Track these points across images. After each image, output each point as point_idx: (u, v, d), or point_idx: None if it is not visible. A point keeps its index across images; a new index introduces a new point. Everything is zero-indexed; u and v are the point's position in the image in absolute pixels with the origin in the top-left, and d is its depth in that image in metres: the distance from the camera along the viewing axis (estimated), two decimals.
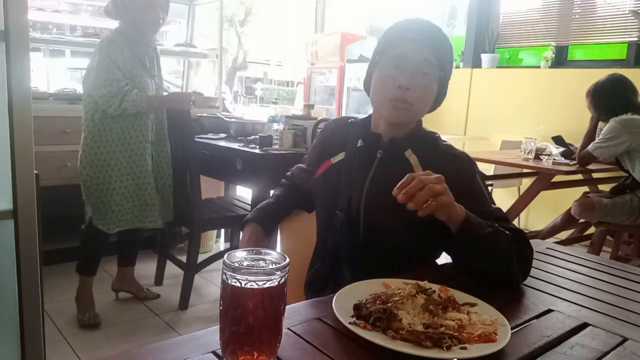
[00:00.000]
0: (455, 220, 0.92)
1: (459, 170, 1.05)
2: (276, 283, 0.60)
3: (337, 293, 0.82)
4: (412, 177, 0.87)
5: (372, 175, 1.11)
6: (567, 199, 3.36)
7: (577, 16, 4.36)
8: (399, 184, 0.87)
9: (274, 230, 1.30)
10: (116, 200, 2.30)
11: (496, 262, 0.95)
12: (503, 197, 4.19)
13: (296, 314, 0.79)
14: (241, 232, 1.25)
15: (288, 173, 1.38)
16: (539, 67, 4.41)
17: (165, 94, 2.51)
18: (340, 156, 1.17)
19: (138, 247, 2.66)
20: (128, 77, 2.20)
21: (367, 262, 1.08)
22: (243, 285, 0.59)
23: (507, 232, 0.98)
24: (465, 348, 0.69)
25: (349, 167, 1.14)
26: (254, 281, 0.59)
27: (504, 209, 1.08)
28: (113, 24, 2.34)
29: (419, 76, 1.06)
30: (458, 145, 1.14)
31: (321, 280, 1.18)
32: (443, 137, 1.17)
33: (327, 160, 1.19)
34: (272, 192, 1.43)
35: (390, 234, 1.08)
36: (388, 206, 1.00)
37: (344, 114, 5.55)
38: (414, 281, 0.87)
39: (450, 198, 0.89)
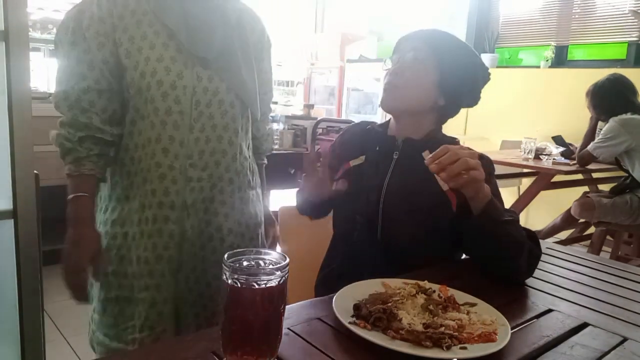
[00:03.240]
0: (481, 199, 0.93)
1: None
2: (276, 283, 0.60)
3: (337, 293, 0.82)
4: (446, 148, 0.88)
5: (390, 177, 1.12)
6: (567, 199, 3.36)
7: (577, 16, 4.36)
8: (433, 154, 0.88)
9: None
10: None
11: (509, 250, 0.96)
12: (503, 197, 4.19)
13: (296, 314, 0.79)
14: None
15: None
16: (539, 67, 4.41)
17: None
18: (360, 160, 1.17)
19: None
20: (121, 61, 1.05)
21: (385, 263, 1.07)
22: (243, 285, 0.59)
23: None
24: (465, 348, 0.69)
25: (368, 172, 1.15)
26: (254, 281, 0.59)
27: None
28: None
29: (405, 60, 1.11)
30: None
31: (336, 279, 1.16)
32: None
33: (346, 163, 1.19)
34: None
35: (409, 235, 1.08)
36: (406, 207, 1.06)
37: (344, 114, 5.55)
38: (414, 281, 0.87)
39: (482, 174, 0.90)
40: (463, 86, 1.13)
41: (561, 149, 3.26)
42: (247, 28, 1.19)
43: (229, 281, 0.60)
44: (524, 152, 3.18)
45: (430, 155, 0.88)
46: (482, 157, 1.11)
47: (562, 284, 1.03)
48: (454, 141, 1.15)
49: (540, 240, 1.06)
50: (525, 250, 0.97)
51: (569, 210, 3.13)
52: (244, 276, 0.59)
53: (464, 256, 1.17)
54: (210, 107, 1.09)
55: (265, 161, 1.39)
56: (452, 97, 1.14)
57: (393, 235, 1.10)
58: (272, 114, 3.39)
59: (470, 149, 0.91)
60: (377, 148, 1.16)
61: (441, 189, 1.01)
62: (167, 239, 1.08)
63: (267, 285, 0.60)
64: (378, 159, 1.15)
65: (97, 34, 1.04)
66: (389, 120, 1.20)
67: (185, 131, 1.07)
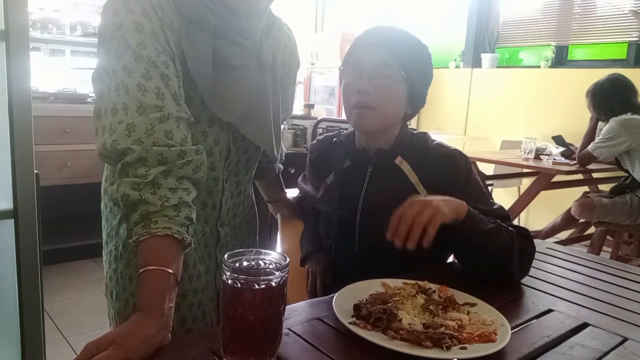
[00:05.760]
0: (459, 218, 0.92)
1: (455, 172, 1.04)
2: (276, 283, 0.60)
3: (337, 293, 0.82)
4: (397, 217, 0.86)
5: (366, 191, 1.09)
6: (567, 199, 3.36)
7: (577, 16, 4.36)
8: (389, 229, 0.86)
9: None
10: None
11: (497, 257, 0.95)
12: (503, 197, 4.19)
13: (296, 314, 0.79)
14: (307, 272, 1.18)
15: (298, 195, 1.35)
16: (539, 67, 4.41)
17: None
18: (332, 177, 1.16)
19: None
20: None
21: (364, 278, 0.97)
22: (243, 285, 0.59)
23: (509, 228, 0.98)
24: (465, 348, 0.69)
25: (338, 189, 1.13)
26: (254, 281, 0.59)
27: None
28: None
29: (378, 78, 1.02)
30: (458, 145, 1.13)
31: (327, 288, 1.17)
32: (433, 136, 1.16)
33: (323, 181, 1.19)
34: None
35: (389, 246, 1.07)
36: (386, 218, 1.01)
37: (344, 114, 5.53)
38: (414, 281, 0.87)
39: (445, 215, 0.87)
40: (427, 87, 1.11)
41: (561, 149, 3.27)
42: (279, 53, 1.04)
43: (229, 281, 0.60)
44: (524, 152, 3.18)
45: (388, 231, 0.86)
46: (456, 157, 1.08)
47: (562, 284, 1.03)
48: (423, 136, 1.13)
49: (540, 240, 1.06)
50: (513, 253, 0.95)
51: (569, 210, 3.13)
52: (244, 276, 0.59)
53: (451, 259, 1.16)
54: (238, 165, 1.01)
55: (282, 167, 1.30)
56: (419, 103, 1.11)
57: (372, 248, 1.08)
58: None
59: (421, 199, 0.88)
60: (348, 163, 1.14)
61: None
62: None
63: (267, 285, 0.60)
64: (350, 173, 1.13)
65: (171, 23, 0.84)
66: (354, 131, 1.16)
67: (217, 195, 0.99)
